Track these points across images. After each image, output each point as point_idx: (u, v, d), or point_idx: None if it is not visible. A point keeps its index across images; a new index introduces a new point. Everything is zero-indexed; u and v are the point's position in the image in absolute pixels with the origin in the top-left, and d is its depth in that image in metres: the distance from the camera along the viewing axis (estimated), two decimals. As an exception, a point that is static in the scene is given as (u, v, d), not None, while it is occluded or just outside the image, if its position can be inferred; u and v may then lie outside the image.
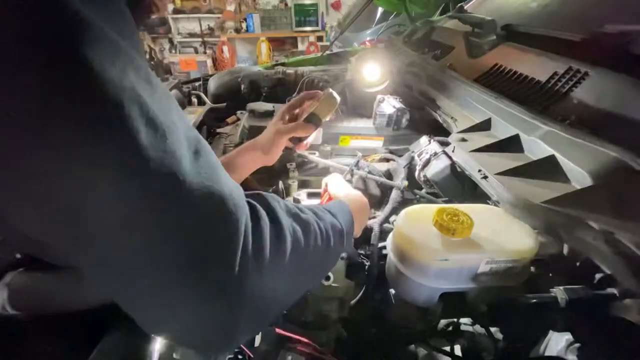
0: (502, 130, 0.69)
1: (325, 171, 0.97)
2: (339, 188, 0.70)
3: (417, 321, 0.57)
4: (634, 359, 0.42)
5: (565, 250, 0.51)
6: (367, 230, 0.81)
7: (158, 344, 0.50)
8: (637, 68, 0.57)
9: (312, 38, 5.23)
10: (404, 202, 0.77)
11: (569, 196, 0.48)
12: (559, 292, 0.45)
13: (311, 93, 0.77)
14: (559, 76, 0.68)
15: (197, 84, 1.45)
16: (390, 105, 0.94)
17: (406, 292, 0.56)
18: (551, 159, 0.56)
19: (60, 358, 0.63)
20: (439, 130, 0.82)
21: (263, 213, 0.36)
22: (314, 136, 0.77)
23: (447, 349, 0.57)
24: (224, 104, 1.22)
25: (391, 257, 0.55)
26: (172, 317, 0.30)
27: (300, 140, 0.76)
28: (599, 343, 0.45)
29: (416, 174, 0.76)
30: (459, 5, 1.26)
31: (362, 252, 0.79)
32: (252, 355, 0.54)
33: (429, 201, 0.79)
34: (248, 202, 0.35)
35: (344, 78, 1.23)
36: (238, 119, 1.02)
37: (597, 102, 0.60)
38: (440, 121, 0.85)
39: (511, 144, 0.65)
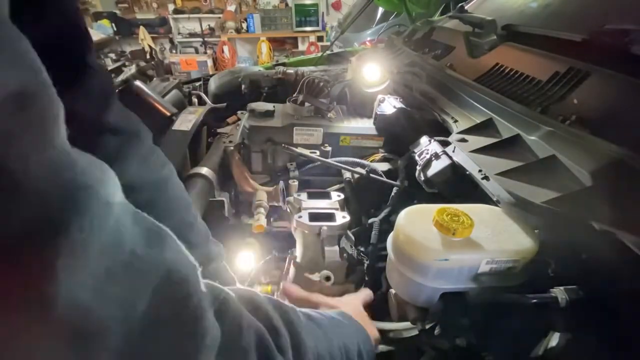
0: (502, 130, 0.69)
1: (326, 171, 0.97)
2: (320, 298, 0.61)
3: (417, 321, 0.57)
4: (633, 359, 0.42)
5: (565, 250, 0.50)
6: (367, 230, 0.81)
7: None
8: (637, 68, 0.57)
9: (312, 38, 5.23)
10: (404, 202, 0.77)
11: (569, 196, 0.48)
12: (559, 292, 0.45)
13: None
14: (560, 76, 0.68)
15: (197, 84, 1.45)
16: (390, 105, 0.94)
17: (406, 292, 0.56)
18: (552, 159, 0.56)
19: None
20: (439, 130, 0.82)
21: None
22: None
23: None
24: (225, 104, 1.21)
25: (391, 257, 0.55)
26: None
27: None
28: (599, 343, 0.45)
29: (416, 174, 0.76)
30: (459, 5, 1.26)
31: (362, 249, 0.79)
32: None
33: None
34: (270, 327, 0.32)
35: (344, 78, 1.23)
36: (238, 119, 1.02)
37: (597, 102, 0.60)
38: (441, 121, 0.85)
39: (512, 144, 0.65)
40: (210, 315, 0.26)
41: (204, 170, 0.83)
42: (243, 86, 1.31)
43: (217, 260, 0.63)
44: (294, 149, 0.92)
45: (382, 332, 0.60)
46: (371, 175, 0.86)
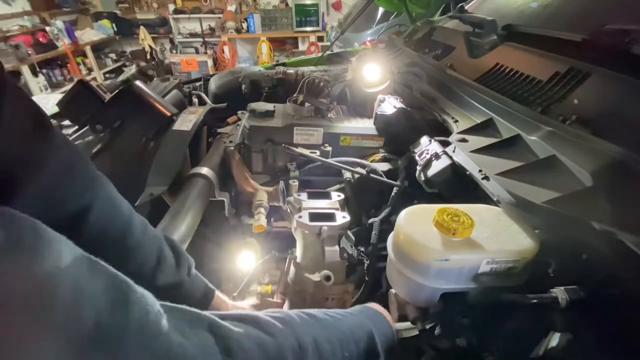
0: (502, 130, 0.69)
1: (326, 171, 0.97)
2: None
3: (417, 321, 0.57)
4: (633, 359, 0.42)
5: (566, 250, 0.50)
6: (367, 230, 0.81)
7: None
8: (637, 68, 0.57)
9: (312, 38, 5.23)
10: (404, 202, 0.77)
11: (569, 196, 0.48)
12: (559, 292, 0.45)
13: None
14: (560, 76, 0.68)
15: (197, 84, 1.45)
16: (390, 105, 0.94)
17: (406, 292, 0.56)
18: (552, 159, 0.56)
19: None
20: (439, 130, 0.82)
21: None
22: None
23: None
24: (225, 104, 1.21)
25: (391, 257, 0.55)
26: None
27: None
28: (599, 343, 0.45)
29: (417, 174, 0.76)
30: (459, 5, 1.26)
31: (362, 249, 0.79)
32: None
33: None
34: None
35: (344, 78, 1.23)
36: (239, 119, 1.02)
37: (598, 103, 0.60)
38: (441, 121, 0.85)
39: (512, 144, 0.65)
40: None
41: (204, 170, 0.83)
42: (243, 86, 1.31)
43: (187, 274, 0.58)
44: (294, 149, 0.92)
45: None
46: (371, 175, 0.86)
